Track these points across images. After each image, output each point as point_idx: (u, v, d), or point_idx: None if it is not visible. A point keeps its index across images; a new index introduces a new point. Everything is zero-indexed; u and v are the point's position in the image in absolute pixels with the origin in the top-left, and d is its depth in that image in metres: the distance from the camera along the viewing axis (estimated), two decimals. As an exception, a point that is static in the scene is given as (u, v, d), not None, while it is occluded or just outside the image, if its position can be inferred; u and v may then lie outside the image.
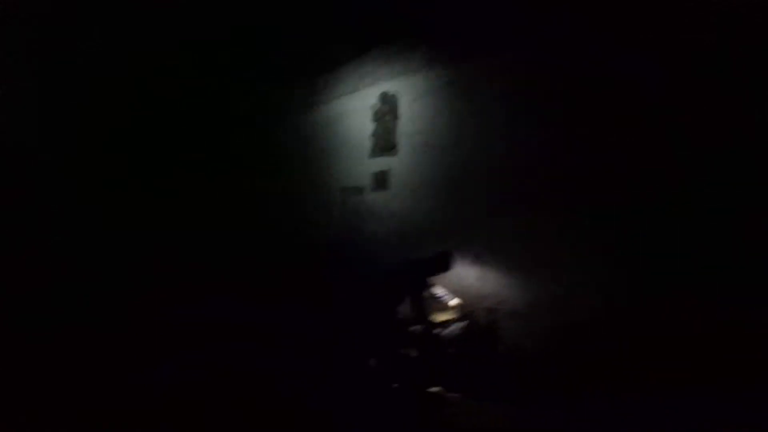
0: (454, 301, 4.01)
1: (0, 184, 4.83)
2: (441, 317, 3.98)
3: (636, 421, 2.87)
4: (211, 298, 5.15)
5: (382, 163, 5.21)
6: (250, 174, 6.95)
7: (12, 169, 4.92)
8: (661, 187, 3.23)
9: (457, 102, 4.56)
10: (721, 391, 2.71)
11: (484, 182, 4.30)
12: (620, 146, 3.43)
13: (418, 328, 3.76)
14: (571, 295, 3.62)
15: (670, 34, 3.17)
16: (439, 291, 4.05)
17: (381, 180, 5.21)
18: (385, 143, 5.22)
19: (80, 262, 5.28)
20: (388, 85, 5.22)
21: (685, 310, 3.04)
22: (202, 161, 6.63)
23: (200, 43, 5.41)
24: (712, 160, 3.03)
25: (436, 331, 3.80)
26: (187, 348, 4.16)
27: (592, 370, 3.37)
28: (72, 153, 5.43)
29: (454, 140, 4.57)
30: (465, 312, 4.03)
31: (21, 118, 5.01)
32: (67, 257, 5.20)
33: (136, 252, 5.71)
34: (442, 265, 3.94)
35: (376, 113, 5.33)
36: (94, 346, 4.05)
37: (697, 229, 3.08)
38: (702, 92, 3.06)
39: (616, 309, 3.37)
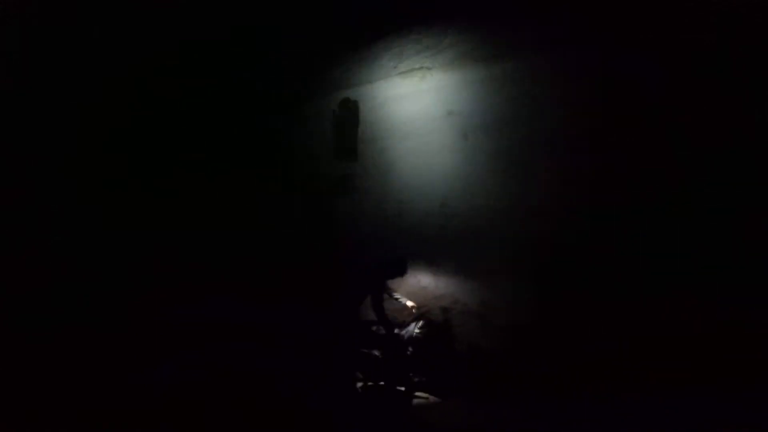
0: (410, 303, 4.08)
1: (0, 184, 4.83)
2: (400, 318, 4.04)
3: (614, 420, 2.87)
4: (211, 298, 5.15)
5: (345, 168, 5.18)
6: (247, 177, 6.95)
7: (12, 169, 4.92)
8: (661, 187, 3.24)
9: (421, 109, 4.58)
10: (721, 391, 2.71)
11: (445, 187, 4.34)
12: (617, 146, 3.43)
13: (379, 328, 3.83)
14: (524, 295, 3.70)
15: (670, 34, 3.17)
16: (396, 293, 4.11)
17: (341, 185, 5.19)
18: (345, 149, 5.18)
19: (80, 262, 5.28)
20: (350, 92, 5.18)
21: (685, 310, 3.04)
22: (194, 161, 6.62)
23: (199, 43, 5.41)
24: (712, 160, 3.03)
25: (397, 331, 3.87)
26: (187, 348, 4.16)
27: (576, 370, 3.39)
28: (72, 153, 5.43)
29: (416, 145, 4.59)
30: (422, 312, 4.09)
31: (21, 118, 5.01)
32: (67, 257, 5.20)
33: (136, 252, 5.71)
34: (400, 268, 4.04)
35: (336, 119, 5.27)
36: (94, 346, 4.05)
37: (697, 229, 3.08)
38: (702, 92, 3.06)
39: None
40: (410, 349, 3.78)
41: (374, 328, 3.87)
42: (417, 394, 3.58)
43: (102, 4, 4.50)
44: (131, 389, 3.35)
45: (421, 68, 4.54)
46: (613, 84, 3.43)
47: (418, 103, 4.58)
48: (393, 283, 4.11)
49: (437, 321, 4.02)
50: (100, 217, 5.56)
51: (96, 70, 5.33)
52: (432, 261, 4.29)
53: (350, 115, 5.13)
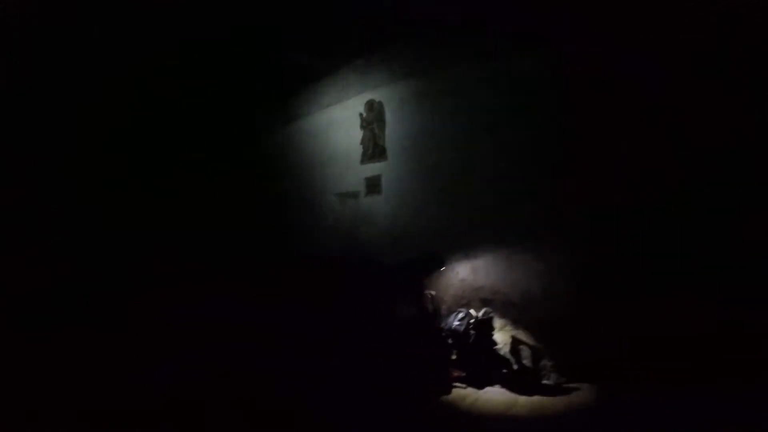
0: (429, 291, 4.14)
1: (0, 184, 4.83)
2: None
3: (632, 417, 2.87)
4: (211, 298, 5.15)
5: (374, 168, 5.30)
6: (247, 177, 6.99)
7: (12, 169, 4.92)
8: (661, 187, 3.24)
9: (439, 107, 4.65)
10: (721, 391, 2.71)
11: (470, 182, 4.37)
12: (619, 146, 3.43)
13: (421, 323, 3.86)
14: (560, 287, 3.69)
15: (670, 34, 3.17)
16: (431, 288, 4.14)
17: (373, 185, 5.30)
18: (375, 149, 5.30)
19: (80, 262, 5.28)
20: (374, 94, 5.30)
21: (685, 310, 3.04)
22: (199, 162, 6.64)
23: (200, 43, 5.41)
24: (712, 160, 3.03)
25: (438, 324, 3.90)
26: (187, 348, 4.16)
27: (589, 364, 3.39)
28: (72, 153, 5.43)
29: (440, 143, 4.64)
30: (461, 304, 4.14)
31: (21, 118, 5.01)
32: (67, 257, 5.20)
33: (136, 252, 5.71)
34: (437, 263, 4.14)
35: (364, 121, 5.40)
36: (94, 346, 4.05)
37: (697, 229, 3.08)
38: (702, 92, 3.06)
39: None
40: (450, 341, 3.83)
41: (416, 323, 3.91)
42: (455, 384, 3.58)
43: (102, 4, 4.50)
44: (131, 389, 3.35)
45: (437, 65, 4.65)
46: (614, 84, 3.43)
47: (439, 102, 4.68)
48: (431, 278, 4.23)
49: (477, 313, 4.02)
50: (100, 217, 5.56)
51: (96, 70, 5.34)
52: (467, 254, 4.32)
53: (377, 116, 5.26)
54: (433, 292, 4.24)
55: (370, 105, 5.35)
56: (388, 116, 5.17)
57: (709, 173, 3.03)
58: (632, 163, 3.35)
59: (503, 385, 3.53)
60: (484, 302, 4.12)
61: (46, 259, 5.02)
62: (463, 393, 3.47)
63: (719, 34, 2.95)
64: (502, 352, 3.71)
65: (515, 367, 3.59)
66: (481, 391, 3.48)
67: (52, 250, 5.11)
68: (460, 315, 3.94)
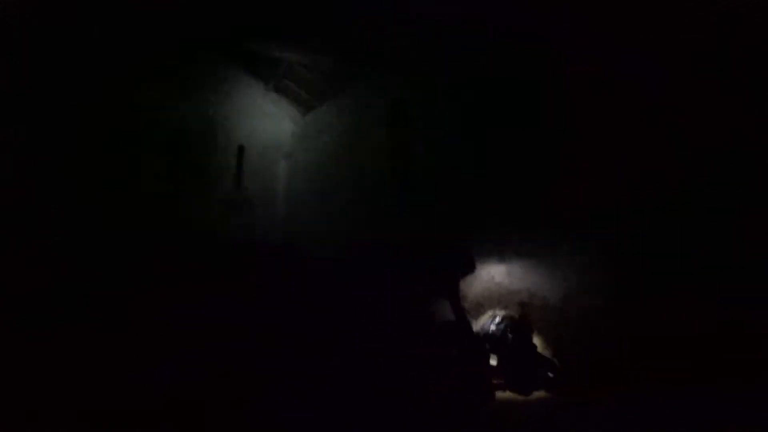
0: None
1: (0, 184, 4.83)
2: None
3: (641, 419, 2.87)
4: (211, 298, 5.14)
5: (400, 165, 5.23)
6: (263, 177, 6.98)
7: (12, 169, 4.91)
8: (661, 187, 3.24)
9: (459, 105, 4.61)
10: (721, 391, 2.71)
11: (498, 180, 4.30)
12: (619, 146, 3.43)
13: (456, 325, 3.77)
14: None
15: (670, 34, 3.16)
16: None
17: (401, 181, 5.24)
18: (399, 147, 5.26)
19: (80, 262, 5.27)
20: (397, 92, 5.26)
21: (685, 310, 3.04)
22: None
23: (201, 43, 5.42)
24: (712, 160, 3.03)
25: (473, 327, 3.84)
26: (187, 348, 4.15)
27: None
28: (72, 153, 5.43)
29: (463, 140, 4.60)
30: (499, 307, 4.07)
31: (21, 118, 5.01)
32: (67, 257, 5.19)
33: (136, 252, 5.70)
34: (468, 265, 4.02)
35: (389, 119, 5.38)
36: (94, 346, 4.05)
37: (697, 229, 3.08)
38: (702, 92, 3.06)
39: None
40: (487, 345, 3.75)
41: (449, 326, 3.83)
42: (497, 390, 3.52)
43: (102, 4, 4.51)
44: (131, 389, 3.34)
45: None
46: (614, 84, 3.43)
47: (458, 99, 4.66)
48: (465, 280, 4.12)
49: (514, 316, 3.96)
50: (100, 217, 5.55)
51: (96, 70, 5.34)
52: (503, 255, 4.23)
53: (401, 113, 5.27)
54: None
55: (394, 103, 5.33)
56: (413, 113, 5.14)
57: (709, 173, 3.02)
58: (632, 163, 3.35)
59: (548, 390, 3.46)
60: (520, 305, 4.03)
61: (46, 259, 5.01)
62: (506, 398, 3.42)
63: (719, 34, 2.95)
64: (544, 355, 3.63)
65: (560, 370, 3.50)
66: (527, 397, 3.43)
67: (52, 250, 5.11)
68: (497, 319, 3.85)
